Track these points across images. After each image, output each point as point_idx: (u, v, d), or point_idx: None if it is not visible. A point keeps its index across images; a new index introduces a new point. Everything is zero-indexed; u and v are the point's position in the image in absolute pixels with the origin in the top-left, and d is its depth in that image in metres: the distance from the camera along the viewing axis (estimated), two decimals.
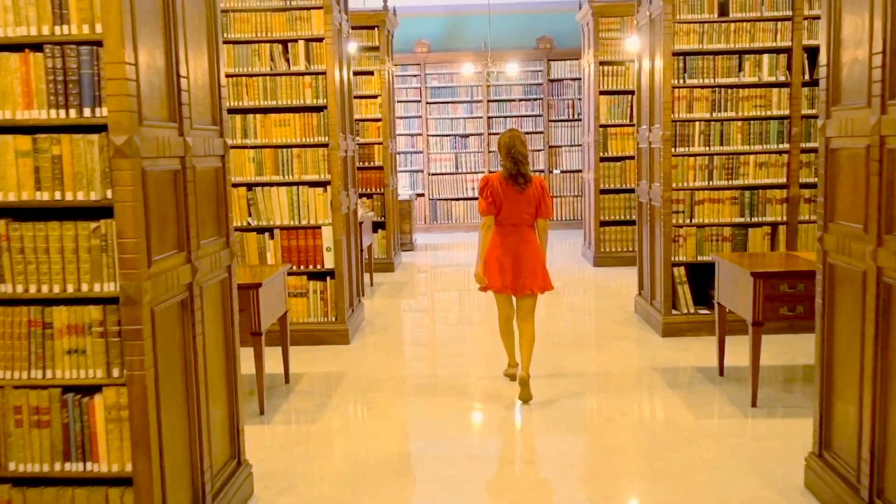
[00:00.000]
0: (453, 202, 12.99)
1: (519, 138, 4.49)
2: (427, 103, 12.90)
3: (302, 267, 5.81)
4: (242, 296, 3.88)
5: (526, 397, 4.47)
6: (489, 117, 12.87)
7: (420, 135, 12.97)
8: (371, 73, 9.00)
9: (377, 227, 9.03)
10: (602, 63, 8.81)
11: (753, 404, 4.33)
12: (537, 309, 4.67)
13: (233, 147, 5.72)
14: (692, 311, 5.79)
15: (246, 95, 5.74)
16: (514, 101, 12.87)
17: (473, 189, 12.89)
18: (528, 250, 4.48)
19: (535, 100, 12.85)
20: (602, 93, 8.85)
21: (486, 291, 4.65)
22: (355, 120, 8.94)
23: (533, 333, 4.57)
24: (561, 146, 12.86)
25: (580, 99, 12.65)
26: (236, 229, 5.80)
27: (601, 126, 8.86)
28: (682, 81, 5.68)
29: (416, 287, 8.55)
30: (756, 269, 4.32)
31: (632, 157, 8.85)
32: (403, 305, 7.58)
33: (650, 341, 5.78)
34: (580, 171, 12.75)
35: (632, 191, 8.88)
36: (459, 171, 12.96)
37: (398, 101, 12.79)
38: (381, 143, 8.98)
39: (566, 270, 9.24)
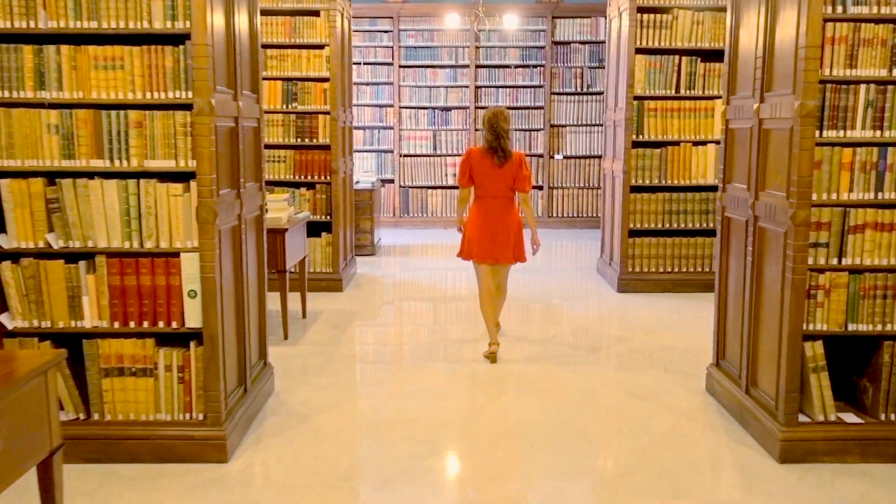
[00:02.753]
0: (430, 191, 10.45)
1: (503, 114, 4.67)
2: (400, 67, 10.31)
3: (145, 324, 3.28)
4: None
5: (493, 351, 4.71)
6: (477, 87, 10.31)
7: (390, 106, 10.39)
8: (315, 14, 6.40)
9: (319, 229, 6.49)
10: (641, 9, 6.28)
11: None
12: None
13: (21, 105, 3.18)
14: (832, 416, 3.34)
15: (44, 10, 3.15)
16: (508, 67, 10.31)
17: (455, 177, 10.34)
18: (504, 222, 4.70)
19: (535, 66, 10.30)
20: (639, 51, 6.33)
21: (467, 260, 4.87)
22: (288, 78, 6.40)
23: (502, 299, 4.94)
24: (565, 126, 10.34)
25: (594, 67, 10.16)
26: (29, 253, 3.25)
27: (635, 98, 6.35)
28: (839, 10, 3.17)
29: (374, 318, 6.01)
30: None
31: (674, 143, 6.36)
32: (344, 363, 4.77)
33: (762, 474, 3.26)
34: (591, 156, 10.28)
35: (675, 189, 6.40)
36: (438, 152, 10.41)
37: (365, 64, 10.20)
38: (327, 114, 6.41)
39: (575, 295, 6.75)
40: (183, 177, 3.24)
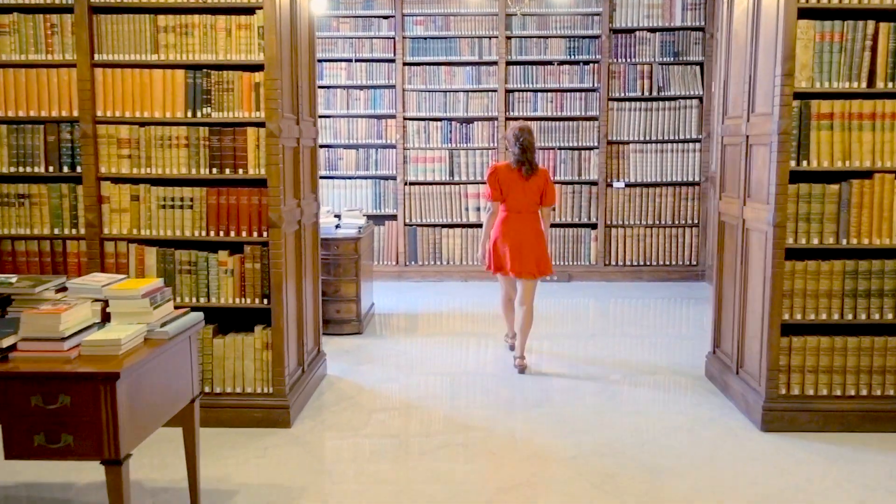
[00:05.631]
0: (444, 231, 7.77)
1: (528, 129, 4.77)
2: (405, 64, 7.67)
3: None
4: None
5: (522, 367, 4.76)
6: (508, 91, 7.63)
7: (391, 117, 7.74)
8: None
9: (252, 319, 3.84)
10: None
11: None
12: None
13: None
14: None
15: None
16: (550, 64, 7.62)
17: (479, 212, 7.66)
18: (530, 237, 4.74)
19: (587, 63, 7.61)
20: (805, 13, 3.63)
21: (494, 273, 4.93)
22: (195, 65, 3.80)
23: (531, 317, 4.82)
24: (627, 142, 7.62)
25: (667, 63, 7.51)
26: None
27: (797, 96, 3.64)
28: None
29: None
30: None
31: (865, 174, 3.66)
32: None
33: None
34: (662, 184, 7.58)
35: (866, 254, 3.68)
36: (455, 178, 7.74)
37: (357, 61, 7.59)
38: (259, 125, 3.74)
39: (680, 442, 3.94)
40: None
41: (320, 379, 4.59)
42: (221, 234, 3.82)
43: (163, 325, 2.69)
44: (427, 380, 4.73)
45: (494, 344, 5.45)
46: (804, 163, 3.68)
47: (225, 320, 4.00)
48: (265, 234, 3.79)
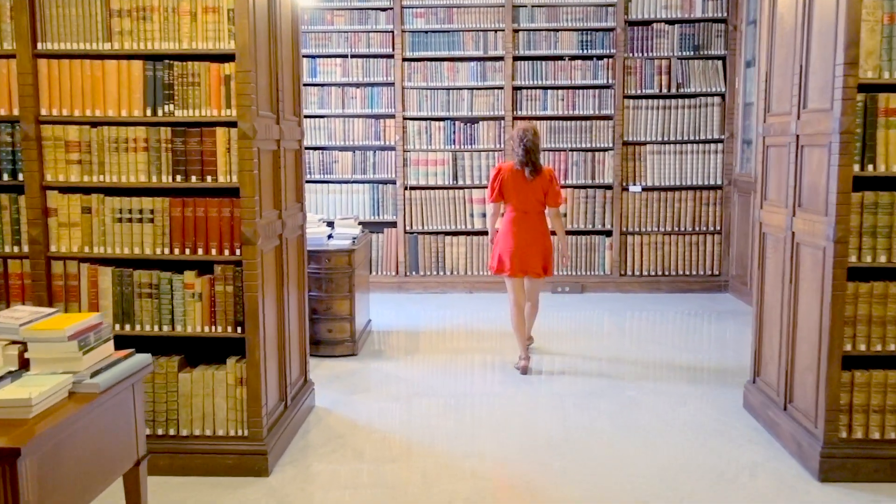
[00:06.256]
0: (448, 239, 7.22)
1: (534, 130, 4.75)
2: (404, 60, 7.13)
3: None
4: None
5: (525, 356, 4.80)
6: (515, 88, 7.09)
7: (390, 117, 7.20)
8: None
9: (223, 350, 3.31)
10: None
11: None
12: None
13: None
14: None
15: None
16: (561, 59, 7.07)
17: (485, 218, 7.12)
18: (534, 236, 4.76)
19: (602, 58, 7.06)
20: None
21: (498, 274, 4.89)
22: (155, 55, 3.25)
23: (535, 312, 4.95)
24: (644, 143, 7.07)
25: (688, 57, 6.98)
26: None
27: (862, 89, 3.09)
28: None
29: None
30: None
31: None
32: None
33: None
34: (682, 188, 7.05)
35: None
36: (460, 183, 7.19)
37: (353, 57, 7.08)
38: (230, 125, 3.20)
39: (720, 494, 3.41)
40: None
41: (307, 412, 4.05)
42: (187, 251, 3.28)
43: (94, 374, 2.16)
44: (428, 413, 4.18)
45: (503, 367, 4.91)
46: (869, 167, 3.13)
47: (193, 351, 3.46)
48: (238, 251, 3.25)
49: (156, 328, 3.31)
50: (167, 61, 3.20)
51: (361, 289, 5.43)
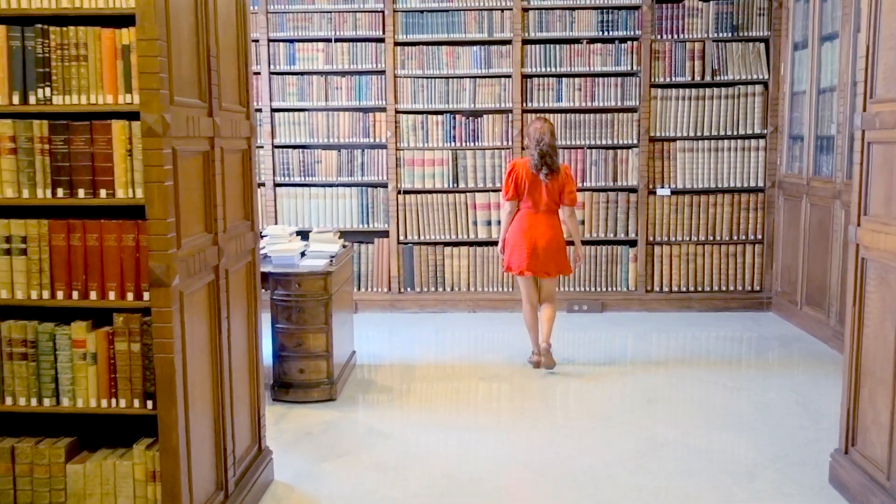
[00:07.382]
0: (448, 250, 6.27)
1: (551, 130, 4.60)
2: (397, 44, 6.17)
3: None
4: None
5: (549, 364, 4.60)
6: (525, 76, 6.13)
7: (381, 110, 6.25)
8: None
9: (132, 431, 2.37)
10: None
11: None
12: None
13: None
14: None
15: None
16: (578, 42, 6.12)
17: (490, 226, 6.18)
18: (548, 235, 4.64)
19: (624, 41, 6.10)
20: None
21: (510, 272, 4.76)
22: (24, 17, 2.17)
23: (553, 312, 4.71)
24: (674, 139, 6.12)
25: (725, 39, 6.08)
26: None
27: None
28: None
29: None
30: None
31: None
32: None
33: None
34: (718, 190, 6.14)
35: None
36: (461, 186, 6.24)
37: (338, 41, 6.16)
38: (131, 117, 2.24)
39: None
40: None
41: (261, 492, 3.10)
42: (75, 295, 2.33)
43: None
44: (421, 492, 3.22)
45: (520, 413, 3.98)
46: None
47: (91, 429, 2.53)
48: (146, 295, 2.31)
49: (33, 402, 2.37)
50: (39, 26, 2.25)
51: (344, 311, 4.50)
